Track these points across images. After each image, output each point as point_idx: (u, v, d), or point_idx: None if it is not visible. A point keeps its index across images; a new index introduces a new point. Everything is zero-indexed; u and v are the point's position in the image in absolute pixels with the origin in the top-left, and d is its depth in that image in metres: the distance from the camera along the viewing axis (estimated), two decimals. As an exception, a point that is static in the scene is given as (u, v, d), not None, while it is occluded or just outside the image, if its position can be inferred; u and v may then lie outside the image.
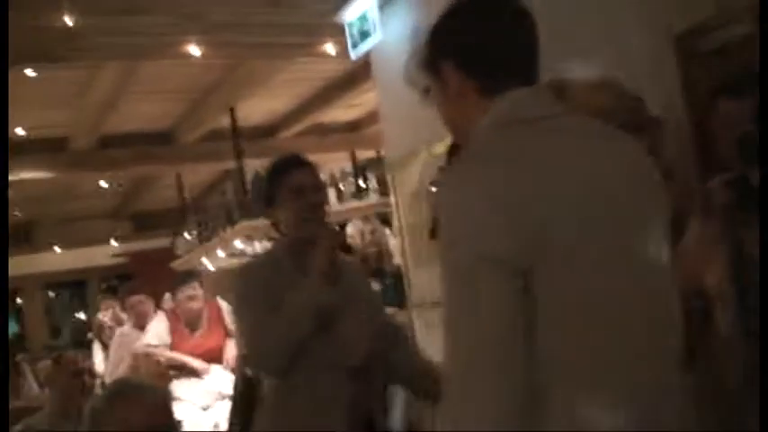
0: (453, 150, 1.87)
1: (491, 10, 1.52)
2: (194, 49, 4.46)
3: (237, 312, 2.71)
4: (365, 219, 5.09)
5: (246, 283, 2.58)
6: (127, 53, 4.54)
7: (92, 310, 11.05)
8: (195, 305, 5.36)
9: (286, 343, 2.39)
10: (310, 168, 2.63)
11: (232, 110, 6.96)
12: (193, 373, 5.21)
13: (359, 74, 6.41)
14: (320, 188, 2.65)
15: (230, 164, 7.68)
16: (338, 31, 4.39)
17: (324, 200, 2.68)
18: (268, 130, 8.27)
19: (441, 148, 3.40)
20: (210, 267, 7.56)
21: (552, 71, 2.91)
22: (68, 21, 3.81)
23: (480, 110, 1.47)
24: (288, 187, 2.55)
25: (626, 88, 3.57)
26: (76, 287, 13.24)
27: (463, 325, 1.29)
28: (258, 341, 2.47)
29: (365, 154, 7.56)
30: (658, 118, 3.62)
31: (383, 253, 4.97)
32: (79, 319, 12.92)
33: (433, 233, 2.00)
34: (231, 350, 5.66)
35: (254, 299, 2.49)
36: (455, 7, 1.56)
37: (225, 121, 7.29)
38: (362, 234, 5.03)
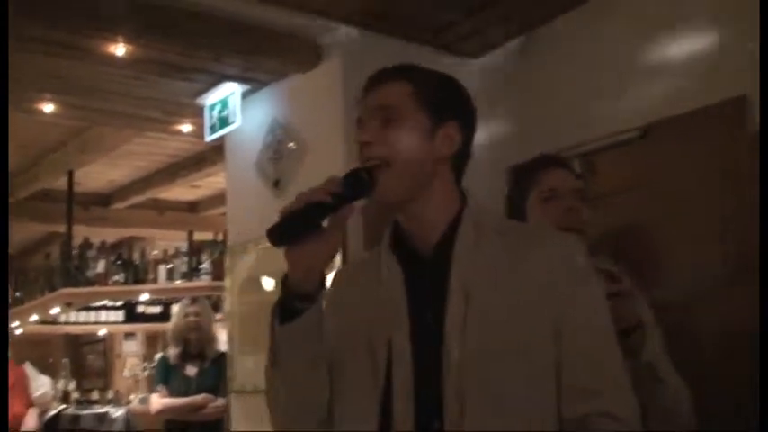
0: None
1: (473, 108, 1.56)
2: (48, 107, 4.38)
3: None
4: (193, 300, 5.04)
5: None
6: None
7: None
8: (-1, 368, 5.08)
9: None
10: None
11: (71, 173, 6.80)
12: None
13: (205, 156, 6.43)
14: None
15: (58, 227, 7.45)
16: (196, 113, 4.40)
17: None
18: (104, 199, 8.08)
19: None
20: (19, 330, 7.22)
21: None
22: None
23: (450, 187, 1.50)
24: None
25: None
26: None
27: None
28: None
29: (202, 236, 7.51)
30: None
31: (203, 339, 4.93)
32: None
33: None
34: (31, 420, 5.38)
35: None
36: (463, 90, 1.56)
37: (59, 183, 7.10)
38: (186, 315, 4.98)
